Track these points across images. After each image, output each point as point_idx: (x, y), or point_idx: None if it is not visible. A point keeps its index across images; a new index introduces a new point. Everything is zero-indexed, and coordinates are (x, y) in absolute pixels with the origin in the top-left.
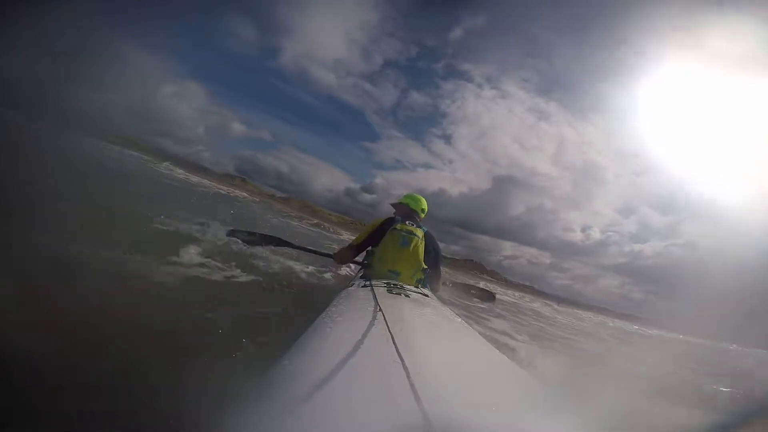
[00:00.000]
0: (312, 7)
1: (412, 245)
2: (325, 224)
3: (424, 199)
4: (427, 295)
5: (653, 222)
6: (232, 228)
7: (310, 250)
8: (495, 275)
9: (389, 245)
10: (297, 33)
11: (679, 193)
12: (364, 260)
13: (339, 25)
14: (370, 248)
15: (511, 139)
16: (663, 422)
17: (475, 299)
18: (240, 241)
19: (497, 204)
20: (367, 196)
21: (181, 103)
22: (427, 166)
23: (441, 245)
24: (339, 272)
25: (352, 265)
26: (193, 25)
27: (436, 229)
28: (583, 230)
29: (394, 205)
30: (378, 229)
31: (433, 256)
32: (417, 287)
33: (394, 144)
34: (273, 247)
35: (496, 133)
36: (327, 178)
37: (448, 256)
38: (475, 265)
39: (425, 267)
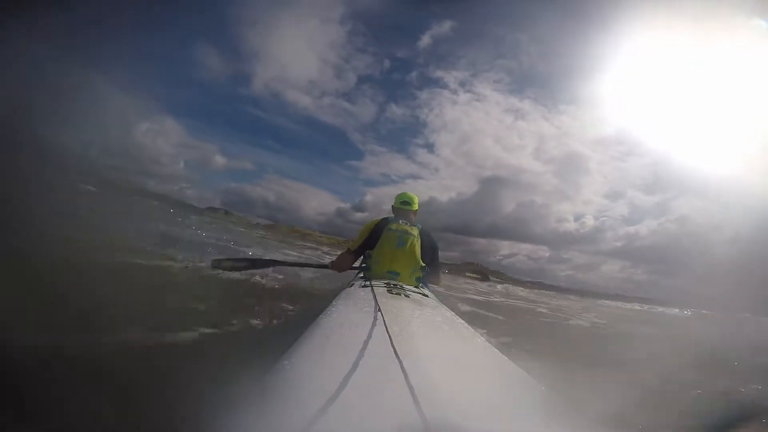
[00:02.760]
0: (276, 29)
1: (409, 244)
2: (312, 246)
3: (409, 194)
4: (426, 295)
5: (642, 202)
6: (215, 258)
7: (305, 265)
8: (499, 275)
9: (386, 247)
10: (264, 57)
11: (662, 171)
12: (362, 263)
13: (306, 45)
14: (367, 251)
15: (492, 140)
16: None
17: (471, 278)
18: (228, 270)
19: (487, 205)
20: (359, 215)
21: (157, 139)
22: (415, 176)
23: (438, 253)
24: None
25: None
26: (156, 58)
27: None
28: (577, 219)
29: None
30: (373, 232)
31: (430, 252)
32: (417, 286)
33: (379, 159)
34: (265, 269)
35: (477, 136)
36: (316, 202)
37: (448, 263)
38: (476, 267)
39: (424, 265)
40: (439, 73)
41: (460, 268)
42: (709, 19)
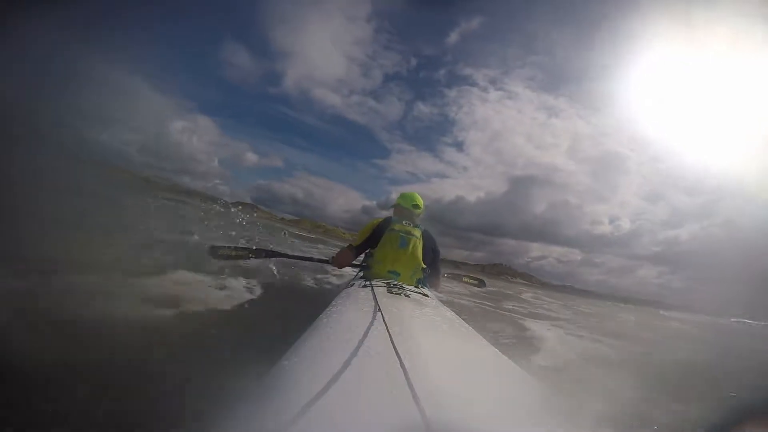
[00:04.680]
0: (303, 29)
1: (411, 245)
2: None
3: (415, 195)
4: (427, 295)
5: (684, 205)
6: (212, 245)
7: (305, 258)
8: (528, 277)
9: (388, 246)
10: (293, 56)
11: (705, 172)
12: (362, 262)
13: (333, 44)
14: (368, 250)
15: (524, 138)
16: None
17: (468, 284)
18: (224, 259)
19: (517, 205)
20: (385, 213)
21: (192, 138)
22: (442, 175)
23: (464, 253)
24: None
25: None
26: (191, 58)
27: (455, 237)
28: (612, 222)
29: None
30: (376, 231)
31: (431, 254)
32: (417, 287)
33: (406, 157)
34: (265, 259)
35: (508, 134)
36: (342, 200)
37: (473, 263)
38: (503, 269)
39: (424, 266)
40: (469, 71)
41: (485, 269)
42: (755, 17)
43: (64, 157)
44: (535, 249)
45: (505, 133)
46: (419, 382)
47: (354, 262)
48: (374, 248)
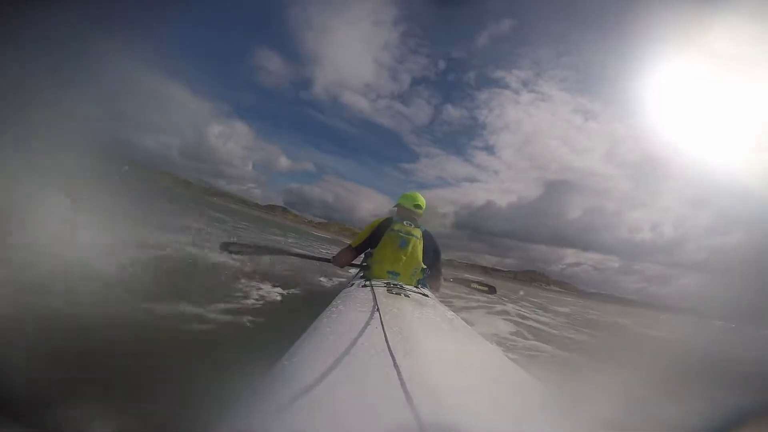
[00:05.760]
0: (331, 34)
1: (411, 245)
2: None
3: (418, 195)
4: (427, 295)
5: (732, 211)
6: (224, 241)
7: (307, 256)
8: (563, 285)
9: (388, 246)
10: (323, 61)
11: (754, 175)
12: (363, 262)
13: (361, 48)
14: (369, 250)
15: (558, 141)
16: None
17: (477, 290)
18: (235, 254)
19: (551, 211)
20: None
21: (228, 142)
22: (472, 179)
23: (494, 259)
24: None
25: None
26: (228, 64)
27: (486, 242)
28: (653, 228)
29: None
30: (376, 231)
31: (432, 255)
32: (417, 287)
33: (435, 162)
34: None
35: (542, 137)
36: (371, 204)
37: (504, 270)
38: (537, 275)
39: (425, 267)
40: (499, 73)
41: (518, 276)
42: None
43: (109, 158)
44: (570, 255)
45: (538, 136)
46: (412, 381)
47: (354, 262)
48: (374, 248)
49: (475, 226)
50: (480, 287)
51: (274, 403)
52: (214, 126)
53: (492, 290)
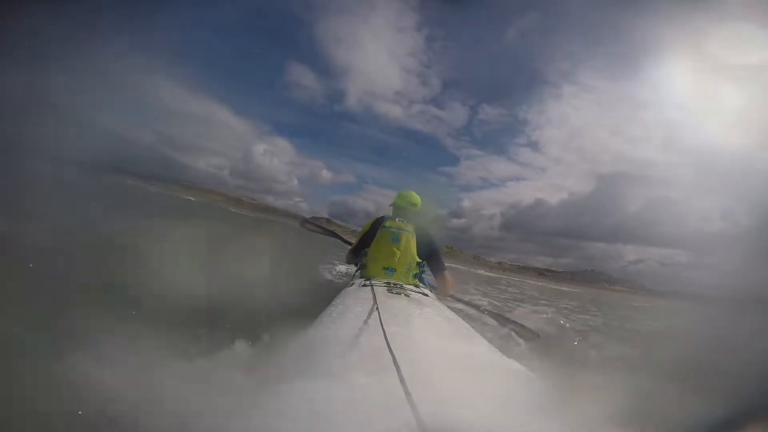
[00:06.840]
0: (357, 46)
1: (403, 240)
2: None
3: (413, 193)
4: (427, 295)
5: None
6: (304, 218)
7: (346, 241)
8: (627, 284)
9: (381, 243)
10: (352, 73)
11: None
12: (360, 261)
13: (388, 57)
14: (364, 250)
15: (609, 133)
16: None
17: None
18: (308, 228)
19: (607, 205)
20: (456, 221)
21: (273, 159)
22: (517, 178)
23: (548, 260)
24: None
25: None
26: (265, 84)
27: (537, 242)
28: (724, 218)
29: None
30: (370, 230)
31: (427, 249)
32: (416, 285)
33: (476, 163)
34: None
35: (589, 129)
36: None
37: (560, 270)
38: (597, 275)
39: (420, 261)
40: (536, 67)
41: (577, 278)
42: None
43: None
44: (630, 252)
45: (585, 128)
46: (413, 380)
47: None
48: (369, 247)
49: (525, 226)
50: (522, 333)
51: (274, 403)
52: (259, 144)
53: (534, 336)
